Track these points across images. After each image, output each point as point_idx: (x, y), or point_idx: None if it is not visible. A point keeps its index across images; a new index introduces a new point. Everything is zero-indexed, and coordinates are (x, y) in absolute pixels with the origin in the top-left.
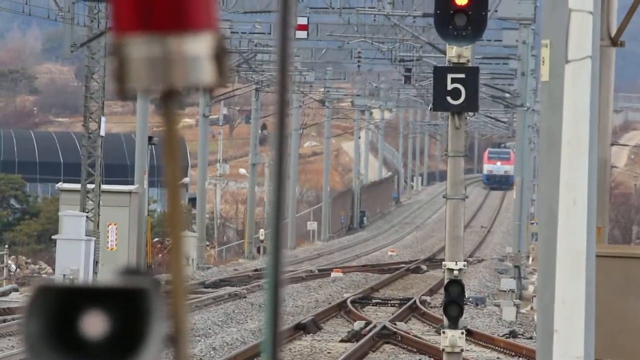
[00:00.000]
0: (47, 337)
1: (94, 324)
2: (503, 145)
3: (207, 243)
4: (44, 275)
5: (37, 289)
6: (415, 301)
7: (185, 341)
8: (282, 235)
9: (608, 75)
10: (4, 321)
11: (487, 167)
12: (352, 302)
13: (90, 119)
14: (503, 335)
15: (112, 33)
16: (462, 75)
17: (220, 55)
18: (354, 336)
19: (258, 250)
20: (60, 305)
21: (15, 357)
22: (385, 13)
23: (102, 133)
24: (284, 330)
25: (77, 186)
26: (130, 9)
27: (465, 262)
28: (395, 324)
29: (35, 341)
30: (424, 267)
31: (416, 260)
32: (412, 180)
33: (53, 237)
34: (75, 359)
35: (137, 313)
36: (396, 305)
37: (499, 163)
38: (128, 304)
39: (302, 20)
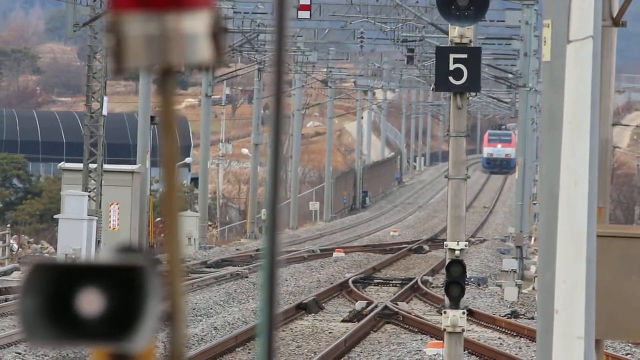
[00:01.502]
0: (44, 315)
1: (91, 302)
2: (504, 126)
3: (209, 223)
4: (45, 254)
5: (34, 266)
6: (416, 281)
7: (181, 320)
8: (278, 217)
9: (610, 56)
10: (6, 300)
11: (487, 150)
12: (354, 282)
13: (92, 99)
14: (504, 316)
15: (109, 11)
16: (465, 56)
17: (217, 33)
18: (356, 316)
19: (260, 230)
20: (57, 283)
21: (17, 337)
22: None
23: (105, 113)
24: (281, 313)
25: (80, 166)
26: None
27: (467, 242)
28: (397, 304)
29: (31, 319)
30: (426, 247)
31: (418, 240)
32: (415, 161)
33: (55, 216)
34: (71, 336)
35: (134, 291)
36: (398, 285)
37: (499, 145)
38: (125, 282)
39: (305, 1)
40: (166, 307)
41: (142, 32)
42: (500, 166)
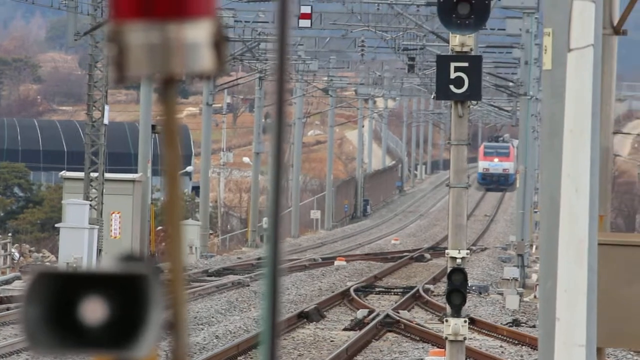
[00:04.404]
0: (46, 324)
1: (93, 310)
2: (501, 138)
3: (211, 231)
4: (47, 263)
5: (37, 275)
6: (418, 289)
7: (183, 328)
8: (280, 226)
9: (610, 64)
10: (7, 309)
11: (482, 165)
12: (355, 290)
13: (93, 108)
14: (506, 324)
15: (111, 20)
16: (465, 64)
17: (219, 42)
18: (357, 324)
19: (261, 239)
20: (60, 292)
21: (18, 346)
22: (389, 2)
23: (106, 121)
24: (284, 321)
25: (81, 174)
26: None
27: (469, 251)
28: (399, 313)
29: (34, 328)
30: (427, 255)
31: (419, 248)
32: (416, 169)
33: (56, 225)
34: (74, 344)
35: (136, 299)
36: (399, 293)
37: (496, 160)
38: (127, 290)
39: (306, 9)
40: (168, 316)
41: (144, 41)
42: (497, 182)
